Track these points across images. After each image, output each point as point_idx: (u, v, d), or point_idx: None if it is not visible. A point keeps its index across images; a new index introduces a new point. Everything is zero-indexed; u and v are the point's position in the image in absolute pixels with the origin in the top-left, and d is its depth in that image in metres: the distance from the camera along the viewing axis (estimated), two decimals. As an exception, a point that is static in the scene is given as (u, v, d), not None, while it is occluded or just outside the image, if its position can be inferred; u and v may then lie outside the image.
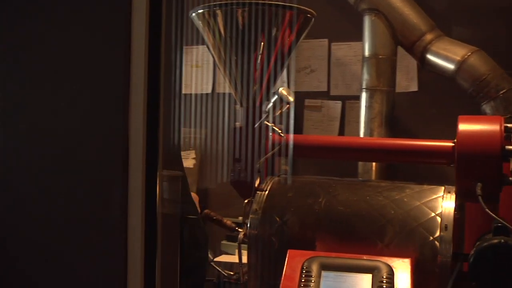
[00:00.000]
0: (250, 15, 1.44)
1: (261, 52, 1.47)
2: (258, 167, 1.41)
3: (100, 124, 0.53)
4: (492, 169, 1.17)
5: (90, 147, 0.55)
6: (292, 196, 1.36)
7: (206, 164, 2.78)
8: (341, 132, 2.56)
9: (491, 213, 1.12)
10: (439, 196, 1.24)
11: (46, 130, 0.60)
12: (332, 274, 1.10)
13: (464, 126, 1.22)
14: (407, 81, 2.39)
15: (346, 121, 2.53)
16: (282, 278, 1.11)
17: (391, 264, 1.10)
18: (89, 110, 0.54)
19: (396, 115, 2.32)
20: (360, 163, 2.02)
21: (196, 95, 2.98)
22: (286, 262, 1.15)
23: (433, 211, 1.21)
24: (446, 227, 1.17)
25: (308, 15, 1.49)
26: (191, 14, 1.47)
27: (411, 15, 1.91)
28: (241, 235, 1.34)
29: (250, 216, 1.33)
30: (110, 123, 0.50)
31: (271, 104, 1.37)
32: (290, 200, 1.35)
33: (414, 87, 2.40)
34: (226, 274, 1.36)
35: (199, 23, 1.47)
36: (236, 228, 1.43)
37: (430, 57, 1.89)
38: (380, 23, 1.95)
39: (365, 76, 1.99)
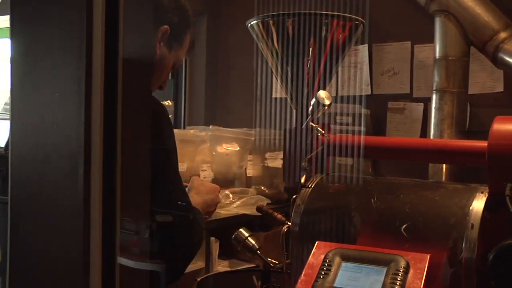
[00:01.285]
0: (299, 24, 1.54)
1: (310, 58, 1.56)
2: (303, 165, 1.50)
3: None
4: (524, 170, 1.16)
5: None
6: (333, 193, 1.44)
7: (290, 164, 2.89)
8: (423, 134, 2.53)
9: (515, 214, 1.11)
10: (471, 196, 1.24)
11: None
12: (351, 264, 1.16)
13: (498, 126, 1.21)
14: (492, 81, 2.31)
15: (428, 123, 2.49)
16: (305, 266, 1.20)
17: (408, 259, 1.13)
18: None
19: (477, 116, 2.26)
20: (430, 165, 2.00)
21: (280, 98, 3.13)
22: (312, 252, 1.23)
23: (462, 210, 1.21)
24: (472, 226, 1.17)
25: (356, 22, 1.55)
26: (248, 24, 1.60)
27: (483, 14, 1.87)
28: (285, 228, 1.44)
29: (293, 210, 1.43)
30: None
31: (311, 107, 1.45)
32: (331, 196, 1.43)
33: (500, 88, 2.31)
34: (271, 264, 1.46)
35: (253, 32, 1.60)
36: (286, 222, 1.53)
37: (502, 56, 1.83)
38: (450, 24, 1.92)
39: (436, 78, 1.98)
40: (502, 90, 2.29)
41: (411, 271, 1.11)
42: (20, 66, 0.71)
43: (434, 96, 1.98)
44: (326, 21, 1.53)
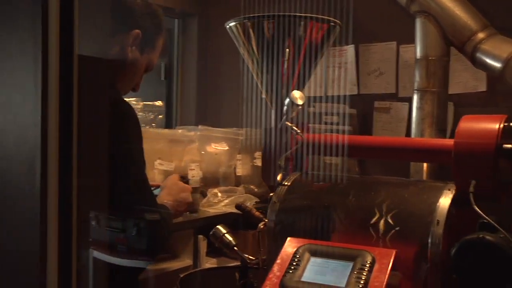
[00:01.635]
0: (276, 25, 1.57)
1: (287, 59, 1.60)
2: (279, 163, 1.53)
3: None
4: (487, 168, 1.19)
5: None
6: (308, 191, 1.47)
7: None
8: (409, 133, 2.56)
9: (478, 211, 1.15)
10: (438, 193, 1.27)
11: None
12: (319, 260, 1.19)
13: (464, 125, 1.25)
14: (475, 81, 2.34)
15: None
16: (275, 261, 1.23)
17: (374, 254, 1.17)
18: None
19: (460, 115, 2.28)
20: (411, 164, 2.03)
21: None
22: (282, 247, 1.26)
23: (429, 206, 1.25)
24: (438, 222, 1.21)
25: (333, 24, 1.59)
26: (227, 25, 1.64)
27: (462, 15, 1.90)
28: (261, 225, 1.48)
29: (269, 207, 1.47)
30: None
31: (285, 107, 1.49)
32: (305, 194, 1.46)
33: (482, 87, 2.34)
34: (247, 260, 1.50)
35: (232, 34, 1.64)
36: (263, 219, 1.57)
37: (480, 56, 1.86)
38: (430, 25, 1.95)
39: (416, 78, 2.01)
40: (485, 89, 2.32)
41: (376, 266, 1.15)
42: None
43: (415, 96, 2.02)
44: (302, 22, 1.56)
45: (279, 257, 1.24)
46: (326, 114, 2.40)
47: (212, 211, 2.57)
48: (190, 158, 2.63)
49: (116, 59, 1.50)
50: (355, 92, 2.69)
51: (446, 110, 2.03)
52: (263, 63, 1.62)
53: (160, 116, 2.94)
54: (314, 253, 1.22)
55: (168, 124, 3.37)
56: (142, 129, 2.13)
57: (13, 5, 0.70)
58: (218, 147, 2.78)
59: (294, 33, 1.57)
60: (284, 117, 1.55)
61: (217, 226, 1.53)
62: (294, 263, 1.21)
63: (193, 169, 2.59)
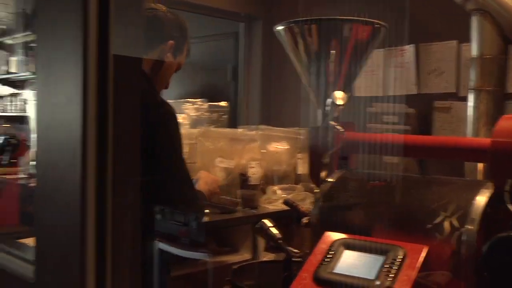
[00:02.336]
0: (322, 29, 1.63)
1: (332, 60, 1.65)
2: (324, 161, 1.58)
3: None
4: (524, 166, 1.19)
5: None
6: (350, 188, 1.51)
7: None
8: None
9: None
10: (476, 191, 1.28)
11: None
12: (352, 253, 1.24)
13: (502, 124, 1.24)
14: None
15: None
16: (311, 254, 1.29)
17: (406, 249, 1.19)
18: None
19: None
20: (466, 163, 2.00)
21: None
22: (319, 241, 1.32)
23: (465, 204, 1.26)
24: (472, 220, 1.22)
25: (377, 26, 1.62)
26: (275, 29, 1.72)
27: (519, 12, 1.85)
28: (305, 220, 1.54)
29: (313, 203, 1.53)
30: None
31: (327, 107, 1.54)
32: (348, 191, 1.51)
33: (547, 86, 2.25)
34: (291, 253, 1.56)
35: (280, 38, 1.71)
36: (307, 214, 1.63)
37: (538, 54, 1.81)
38: (486, 23, 1.92)
39: (472, 77, 1.98)
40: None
41: (407, 260, 1.17)
42: (40, 78, 0.87)
43: (470, 95, 1.99)
44: (346, 25, 1.60)
45: (315, 250, 1.30)
46: (386, 114, 2.42)
47: (271, 207, 2.64)
48: (251, 156, 2.72)
49: (155, 64, 1.79)
50: (415, 92, 2.66)
51: (503, 109, 1.98)
52: (309, 65, 1.68)
53: (224, 116, 3.05)
54: (348, 247, 1.26)
55: (232, 124, 3.48)
56: (205, 128, 2.34)
57: (59, 24, 0.81)
58: (279, 146, 2.85)
59: (339, 35, 1.62)
60: (328, 116, 1.61)
61: (263, 220, 1.61)
62: (329, 256, 1.26)
63: (253, 167, 2.67)
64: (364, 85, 2.80)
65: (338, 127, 1.57)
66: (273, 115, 3.50)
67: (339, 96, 1.47)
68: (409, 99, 2.67)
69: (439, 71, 2.59)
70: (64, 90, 0.78)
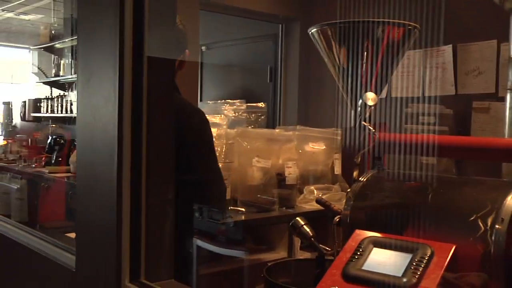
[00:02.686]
0: (354, 31, 1.65)
1: (365, 61, 1.66)
2: (355, 160, 1.60)
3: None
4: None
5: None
6: (381, 187, 1.53)
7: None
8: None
9: (543, 209, 1.14)
10: (507, 192, 1.27)
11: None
12: (381, 251, 1.26)
13: (533, 125, 1.24)
14: None
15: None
16: (341, 251, 1.31)
17: (434, 248, 1.20)
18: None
19: None
20: (503, 164, 1.97)
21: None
22: (349, 239, 1.34)
23: (495, 204, 1.25)
24: (502, 220, 1.21)
25: (409, 28, 1.62)
26: (309, 31, 1.75)
27: (558, 11, 1.81)
28: (336, 218, 1.56)
29: (345, 202, 1.55)
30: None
31: (359, 108, 1.55)
32: (379, 190, 1.52)
33: None
34: (324, 251, 1.59)
35: (314, 40, 1.74)
36: (339, 213, 1.65)
37: None
38: (525, 22, 1.89)
39: (510, 77, 1.95)
40: None
41: (434, 259, 1.18)
42: (81, 80, 0.94)
43: (508, 96, 1.96)
44: (379, 27, 1.62)
45: (345, 247, 1.32)
46: (423, 114, 2.41)
47: (308, 207, 2.67)
48: (288, 156, 2.75)
49: (176, 72, 1.93)
50: (453, 93, 2.64)
51: (542, 110, 1.94)
52: (342, 67, 1.70)
53: (262, 117, 3.09)
54: (377, 245, 1.28)
55: (270, 124, 3.52)
56: (243, 128, 2.43)
57: (97, 29, 0.87)
58: (316, 147, 2.87)
59: (371, 37, 1.63)
60: (360, 117, 1.62)
61: (297, 218, 1.64)
62: (358, 253, 1.28)
63: (290, 167, 2.70)
64: (401, 86, 2.79)
65: (370, 127, 1.58)
66: (310, 115, 3.52)
67: (370, 97, 1.49)
68: (447, 100, 2.64)
69: (478, 71, 2.55)
70: (102, 92, 0.84)
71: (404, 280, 1.16)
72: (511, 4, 1.92)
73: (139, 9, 0.81)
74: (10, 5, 6.14)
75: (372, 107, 1.53)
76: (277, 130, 2.77)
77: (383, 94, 3.28)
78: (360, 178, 1.60)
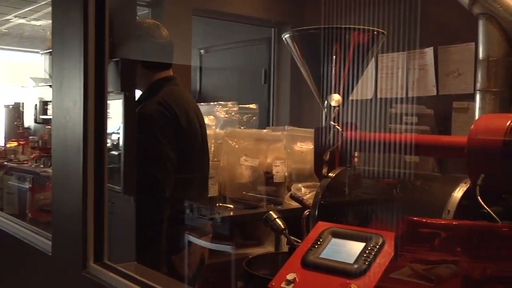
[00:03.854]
0: (324, 36, 1.76)
1: (334, 65, 1.77)
2: (324, 158, 1.71)
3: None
4: (495, 163, 1.28)
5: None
6: (346, 183, 1.64)
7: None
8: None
9: (481, 202, 1.25)
10: (456, 186, 1.38)
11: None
12: (338, 240, 1.36)
13: (478, 123, 1.34)
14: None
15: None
16: (303, 241, 1.42)
17: (385, 237, 1.31)
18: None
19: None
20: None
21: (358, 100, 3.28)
22: (312, 230, 1.45)
23: (445, 197, 1.36)
24: (448, 211, 1.32)
25: (375, 33, 1.73)
26: (283, 36, 1.86)
27: (523, 16, 1.90)
28: (306, 212, 1.67)
29: (314, 197, 1.66)
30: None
31: (325, 109, 1.66)
32: (344, 186, 1.63)
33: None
34: (294, 243, 1.69)
35: (287, 45, 1.85)
36: (309, 207, 1.75)
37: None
38: (492, 26, 1.98)
39: (478, 78, 2.05)
40: None
41: (385, 247, 1.28)
42: (55, 87, 1.06)
43: (477, 96, 2.05)
44: (346, 33, 1.72)
45: (307, 238, 1.42)
46: (406, 114, 2.52)
47: (295, 204, 2.76)
48: (276, 155, 2.85)
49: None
50: (434, 93, 2.73)
51: (509, 110, 2.03)
52: (311, 70, 1.81)
53: (254, 118, 3.20)
54: (336, 235, 1.38)
55: (264, 125, 3.64)
56: (231, 129, 2.51)
57: (68, 45, 0.99)
58: (304, 146, 2.97)
59: (339, 42, 1.74)
60: (328, 117, 1.73)
61: (270, 212, 1.75)
62: (318, 243, 1.39)
63: (278, 166, 2.81)
64: (385, 87, 2.90)
65: (338, 127, 1.69)
66: (303, 116, 3.63)
67: (335, 99, 1.60)
68: (429, 100, 2.74)
69: (457, 73, 2.65)
70: (71, 96, 0.96)
71: (355, 266, 1.26)
72: (478, 9, 2.02)
73: (100, 22, 0.93)
74: (22, 11, 6.34)
75: (337, 108, 1.64)
76: (264, 131, 2.88)
77: (355, 95, 3.39)
78: (329, 174, 1.71)
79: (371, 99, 3.24)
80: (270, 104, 3.76)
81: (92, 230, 0.95)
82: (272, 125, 3.69)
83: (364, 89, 3.16)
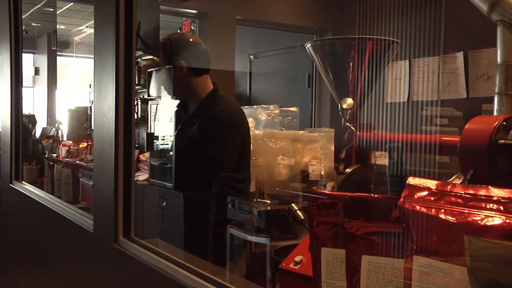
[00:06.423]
0: (344, 45, 1.92)
1: (351, 71, 1.92)
2: (340, 156, 1.86)
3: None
4: (482, 160, 1.40)
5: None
6: (357, 179, 1.79)
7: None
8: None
9: (467, 194, 1.37)
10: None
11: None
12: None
13: (470, 125, 1.46)
14: None
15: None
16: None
17: (382, 225, 1.45)
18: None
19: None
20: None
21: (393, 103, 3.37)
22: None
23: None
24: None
25: (389, 42, 1.86)
26: (306, 46, 2.03)
27: (538, 23, 1.96)
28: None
29: (331, 191, 1.81)
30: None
31: (340, 112, 1.81)
32: (356, 182, 1.78)
33: None
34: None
35: (310, 53, 2.01)
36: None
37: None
38: (508, 33, 2.05)
39: (496, 82, 2.12)
40: None
41: (381, 234, 1.43)
42: (96, 94, 1.28)
43: (495, 99, 2.12)
44: (362, 42, 1.87)
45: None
46: (437, 117, 2.63)
47: (329, 201, 2.90)
48: (313, 155, 3.01)
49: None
50: (464, 96, 2.79)
51: (527, 112, 2.09)
52: (330, 77, 1.97)
53: (295, 120, 3.37)
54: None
55: (306, 126, 3.79)
56: (269, 130, 2.69)
57: (105, 60, 1.21)
58: (340, 147, 3.09)
59: (357, 51, 1.89)
60: (344, 119, 1.88)
61: (291, 204, 1.92)
62: (325, 230, 1.55)
63: (314, 165, 2.96)
64: (420, 90, 3.00)
65: (352, 127, 1.84)
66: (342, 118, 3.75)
67: (347, 102, 1.75)
68: (460, 103, 2.81)
69: (487, 76, 2.70)
70: (107, 101, 1.18)
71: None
72: (496, 16, 2.09)
73: (129, 43, 1.15)
74: (92, 22, 6.81)
75: (350, 110, 1.79)
76: (301, 132, 3.04)
77: (405, 98, 3.48)
78: (345, 170, 1.86)
79: (404, 102, 3.35)
80: (312, 107, 3.92)
81: (122, 211, 1.16)
82: (314, 127, 3.83)
83: (398, 93, 3.27)
